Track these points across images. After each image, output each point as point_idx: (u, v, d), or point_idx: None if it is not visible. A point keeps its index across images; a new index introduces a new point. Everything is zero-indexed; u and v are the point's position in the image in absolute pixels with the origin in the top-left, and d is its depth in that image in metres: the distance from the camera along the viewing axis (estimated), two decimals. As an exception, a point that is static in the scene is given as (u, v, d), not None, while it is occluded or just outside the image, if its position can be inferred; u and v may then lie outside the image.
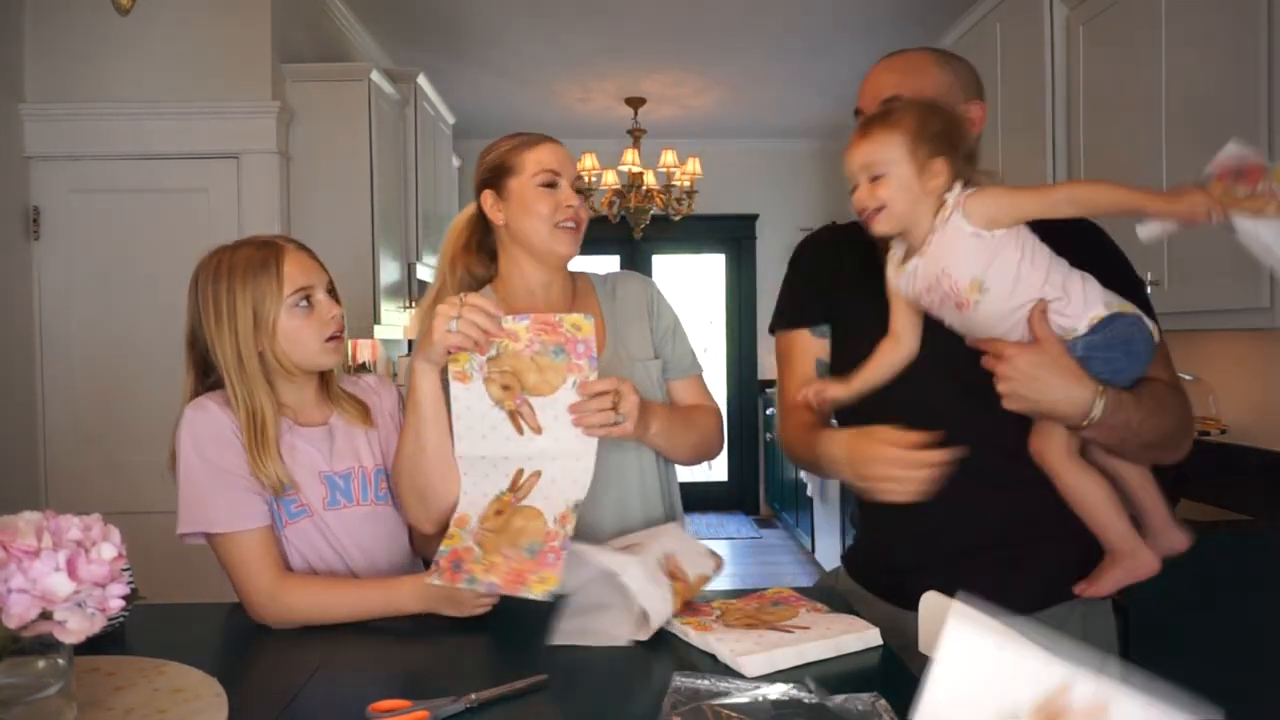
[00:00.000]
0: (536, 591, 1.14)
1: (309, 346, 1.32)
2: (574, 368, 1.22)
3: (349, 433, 1.42)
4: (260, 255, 1.30)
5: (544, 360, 1.22)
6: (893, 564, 1.33)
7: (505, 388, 1.23)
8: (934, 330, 1.22)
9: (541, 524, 1.20)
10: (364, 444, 1.43)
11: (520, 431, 1.24)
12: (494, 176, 1.44)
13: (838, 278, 1.39)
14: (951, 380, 1.21)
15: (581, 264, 1.53)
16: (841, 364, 1.33)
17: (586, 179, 4.70)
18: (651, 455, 1.46)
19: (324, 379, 1.42)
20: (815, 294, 1.41)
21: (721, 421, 1.55)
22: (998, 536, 1.25)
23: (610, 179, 5.09)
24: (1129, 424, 1.13)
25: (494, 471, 1.25)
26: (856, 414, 1.26)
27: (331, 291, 1.37)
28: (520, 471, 1.24)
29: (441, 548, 1.21)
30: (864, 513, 1.41)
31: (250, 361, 1.29)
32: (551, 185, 1.41)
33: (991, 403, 1.13)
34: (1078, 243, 1.20)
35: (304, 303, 1.31)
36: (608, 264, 6.20)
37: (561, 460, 1.23)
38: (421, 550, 1.47)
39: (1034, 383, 1.09)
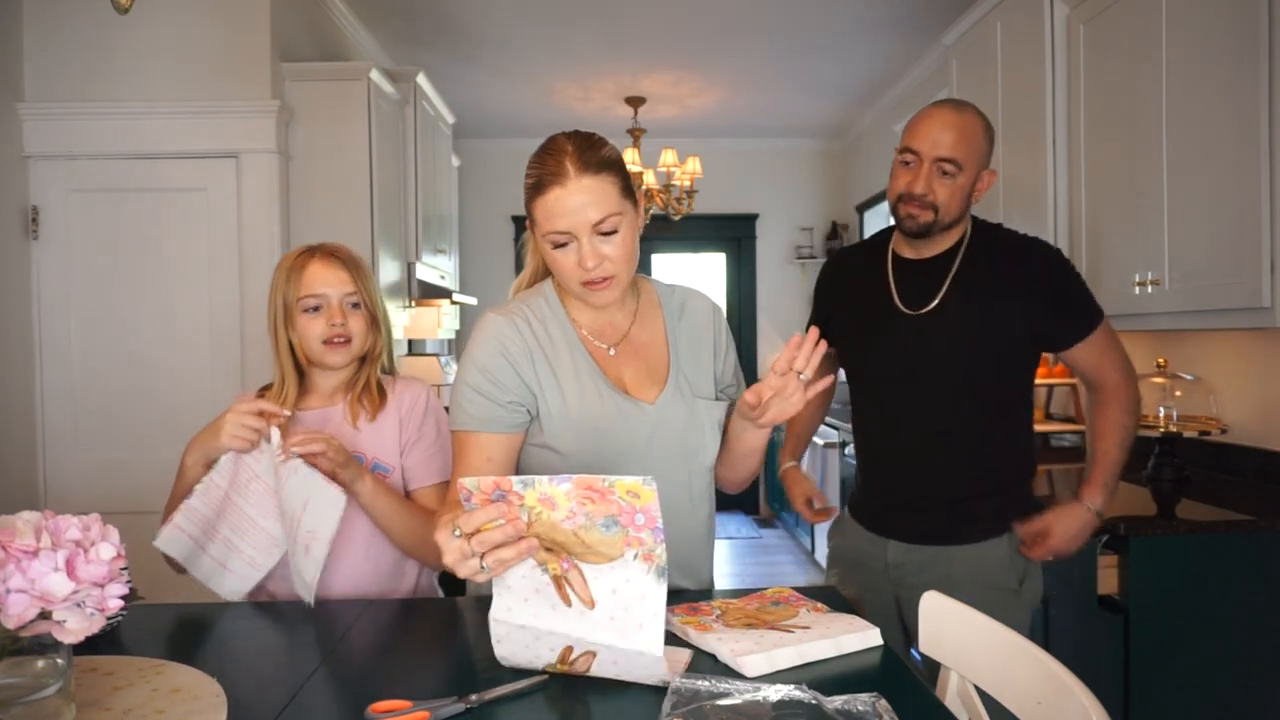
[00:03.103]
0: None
1: (312, 345, 1.51)
2: (633, 541, 0.95)
3: (342, 420, 1.54)
4: (299, 258, 1.53)
5: (591, 535, 0.95)
6: (882, 504, 1.76)
7: (548, 549, 0.98)
8: (883, 348, 1.71)
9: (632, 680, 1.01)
10: (355, 435, 1.53)
11: (568, 602, 0.99)
12: (527, 211, 1.29)
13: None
14: (907, 388, 1.69)
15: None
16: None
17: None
18: (704, 478, 1.39)
19: (360, 373, 1.58)
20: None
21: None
22: (947, 491, 1.68)
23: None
24: (1119, 474, 1.67)
25: (535, 644, 1.01)
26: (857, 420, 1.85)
27: (357, 304, 1.53)
28: (569, 649, 1.00)
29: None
30: (862, 469, 1.84)
31: (282, 342, 1.52)
32: (564, 246, 1.23)
33: (936, 404, 1.66)
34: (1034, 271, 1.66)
35: (312, 305, 1.50)
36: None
37: (629, 640, 0.96)
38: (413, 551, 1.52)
39: (1071, 543, 1.65)
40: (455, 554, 0.96)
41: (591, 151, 1.23)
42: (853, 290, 1.80)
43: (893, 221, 1.73)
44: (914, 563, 1.69)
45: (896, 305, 1.69)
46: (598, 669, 1.00)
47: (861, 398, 1.81)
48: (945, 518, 1.67)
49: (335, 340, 1.50)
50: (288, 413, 1.43)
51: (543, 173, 1.23)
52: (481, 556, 0.95)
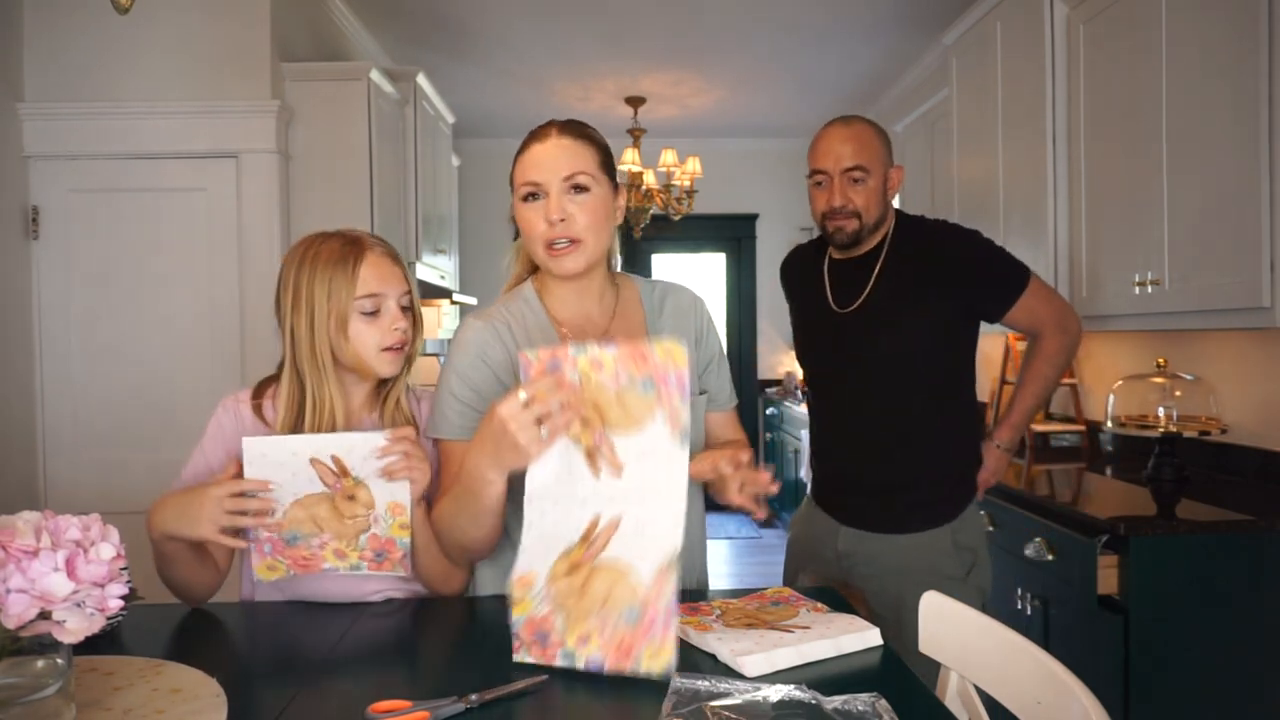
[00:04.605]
0: (650, 668, 1.00)
1: (368, 352, 1.32)
2: (664, 402, 1.03)
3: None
4: (343, 251, 1.31)
5: (631, 396, 1.04)
6: (832, 491, 1.87)
7: (584, 422, 1.06)
8: (845, 348, 1.79)
9: (630, 585, 1.02)
10: None
11: (597, 473, 1.06)
12: (511, 185, 1.31)
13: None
14: (844, 382, 1.80)
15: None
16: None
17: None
18: (698, 491, 1.39)
19: (382, 386, 1.41)
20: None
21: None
22: (887, 480, 1.76)
23: (610, 179, 5.08)
24: (1031, 419, 1.88)
25: (565, 520, 1.07)
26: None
27: (408, 305, 1.36)
28: (595, 522, 1.06)
29: (514, 616, 1.06)
30: (816, 459, 1.95)
31: (323, 351, 1.31)
32: (533, 198, 1.24)
33: (872, 397, 1.76)
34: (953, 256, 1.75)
35: (371, 308, 1.32)
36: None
37: (648, 504, 1.04)
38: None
39: (995, 478, 1.88)
40: (520, 420, 1.02)
41: (577, 125, 1.30)
42: (799, 290, 1.94)
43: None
44: (863, 553, 1.77)
45: (830, 305, 1.82)
46: (617, 544, 1.04)
47: (811, 391, 1.94)
48: (888, 506, 1.75)
49: (396, 347, 1.34)
50: (278, 511, 1.24)
51: (528, 138, 1.29)
52: (539, 423, 1.02)
